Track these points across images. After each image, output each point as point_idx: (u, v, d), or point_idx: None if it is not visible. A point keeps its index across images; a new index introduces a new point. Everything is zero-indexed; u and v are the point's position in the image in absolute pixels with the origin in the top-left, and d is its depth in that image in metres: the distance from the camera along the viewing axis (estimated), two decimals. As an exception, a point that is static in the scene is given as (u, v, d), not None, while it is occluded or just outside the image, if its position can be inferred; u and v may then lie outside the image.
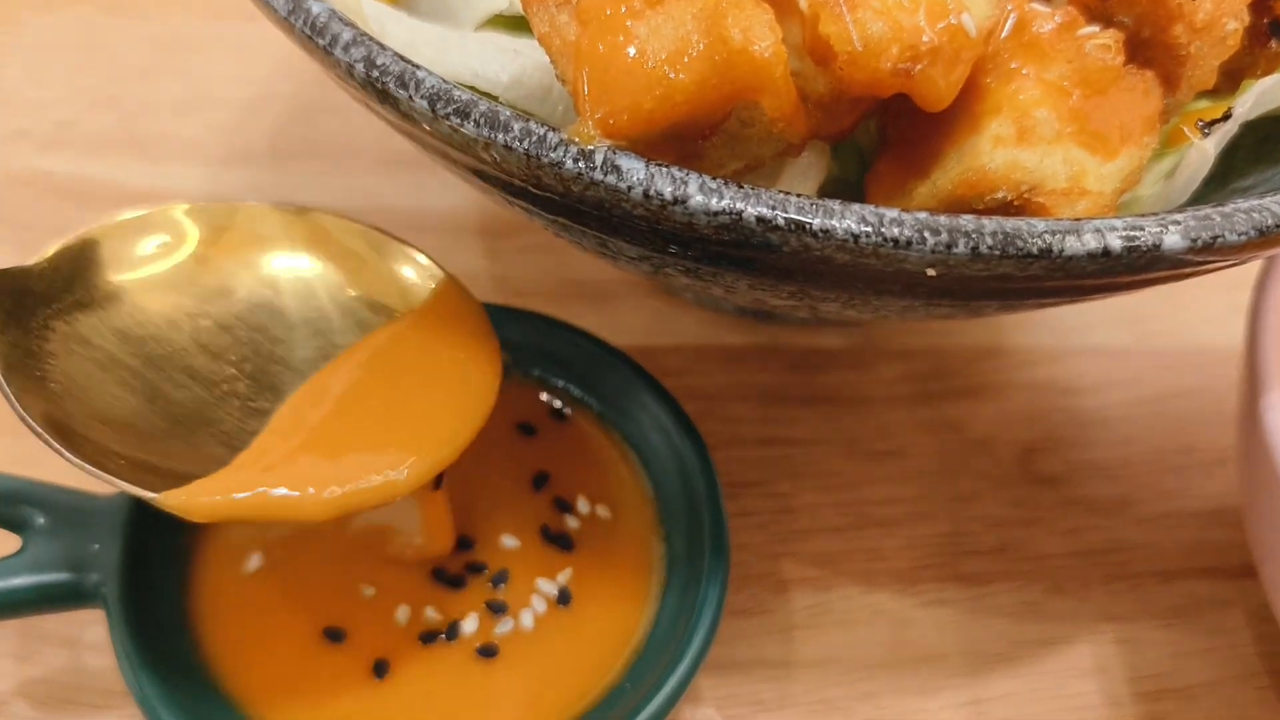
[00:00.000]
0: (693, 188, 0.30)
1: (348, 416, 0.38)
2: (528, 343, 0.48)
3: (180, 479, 0.35)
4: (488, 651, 0.41)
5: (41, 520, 0.41)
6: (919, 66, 0.32)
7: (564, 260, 0.58)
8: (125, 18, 0.70)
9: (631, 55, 0.31)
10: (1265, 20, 0.36)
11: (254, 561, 0.42)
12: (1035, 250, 0.30)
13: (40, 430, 0.34)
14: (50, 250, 0.38)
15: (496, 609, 0.42)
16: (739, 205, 0.30)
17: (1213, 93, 0.37)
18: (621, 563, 0.44)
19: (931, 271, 0.31)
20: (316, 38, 0.34)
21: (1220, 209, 0.32)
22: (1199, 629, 0.48)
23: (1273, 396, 0.41)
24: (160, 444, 0.36)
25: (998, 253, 0.30)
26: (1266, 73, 0.38)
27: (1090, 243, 0.30)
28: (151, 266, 0.40)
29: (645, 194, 0.30)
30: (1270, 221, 0.32)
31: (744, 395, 0.54)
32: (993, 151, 0.34)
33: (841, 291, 0.35)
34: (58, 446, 0.34)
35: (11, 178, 0.61)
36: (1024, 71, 0.34)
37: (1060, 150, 0.34)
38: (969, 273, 0.31)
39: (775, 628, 0.47)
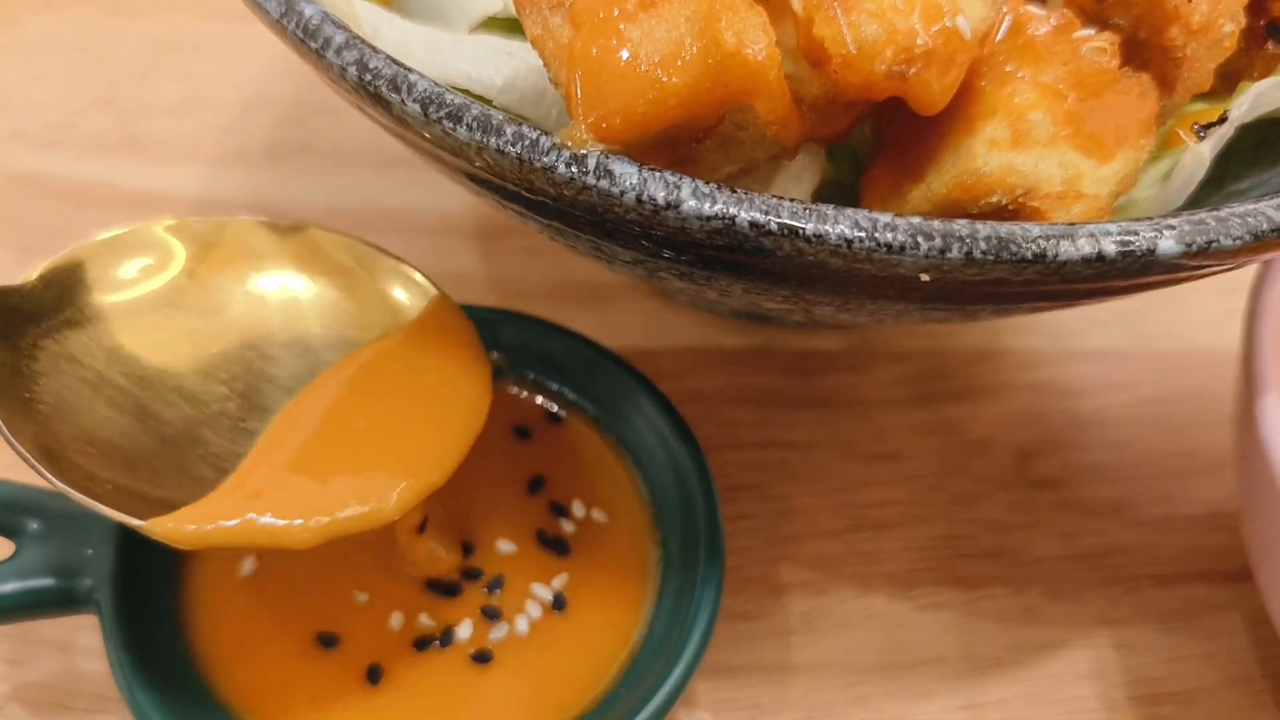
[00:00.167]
0: (686, 192, 0.30)
1: (335, 438, 0.38)
2: (522, 345, 0.48)
3: (167, 505, 0.35)
4: (482, 657, 0.41)
5: (35, 525, 0.40)
6: (913, 69, 0.31)
7: (559, 262, 0.58)
8: (123, 19, 0.69)
9: (625, 59, 0.30)
10: (1262, 22, 0.36)
11: (247, 567, 0.42)
12: (1029, 255, 0.30)
13: (26, 454, 0.34)
14: (40, 268, 0.38)
15: (491, 615, 0.42)
16: (732, 210, 0.30)
17: (1209, 95, 0.37)
18: (617, 567, 0.44)
19: (926, 276, 0.31)
20: (309, 40, 0.33)
21: (1215, 213, 0.32)
22: (1196, 633, 0.48)
23: (1269, 399, 0.41)
24: (148, 466, 0.36)
25: (992, 258, 0.30)
26: (1263, 75, 0.38)
27: (1085, 248, 0.30)
28: (142, 284, 0.40)
29: (638, 199, 0.30)
30: (1265, 226, 0.31)
31: (740, 398, 0.54)
32: (988, 155, 0.33)
33: (836, 296, 0.35)
34: (44, 471, 0.34)
35: (8, 178, 0.61)
36: (1019, 74, 0.34)
37: (1055, 153, 0.34)
38: (963, 277, 0.31)
39: (771, 632, 0.47)
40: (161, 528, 0.34)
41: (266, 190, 0.61)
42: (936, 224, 0.30)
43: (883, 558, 0.49)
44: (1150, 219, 0.31)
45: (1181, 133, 0.39)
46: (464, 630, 0.41)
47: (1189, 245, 0.31)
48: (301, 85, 0.66)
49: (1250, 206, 0.32)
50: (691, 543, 0.43)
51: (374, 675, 0.40)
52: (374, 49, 0.33)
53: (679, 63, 0.30)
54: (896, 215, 0.30)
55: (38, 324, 0.37)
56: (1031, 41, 0.34)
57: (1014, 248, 0.30)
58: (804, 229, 0.30)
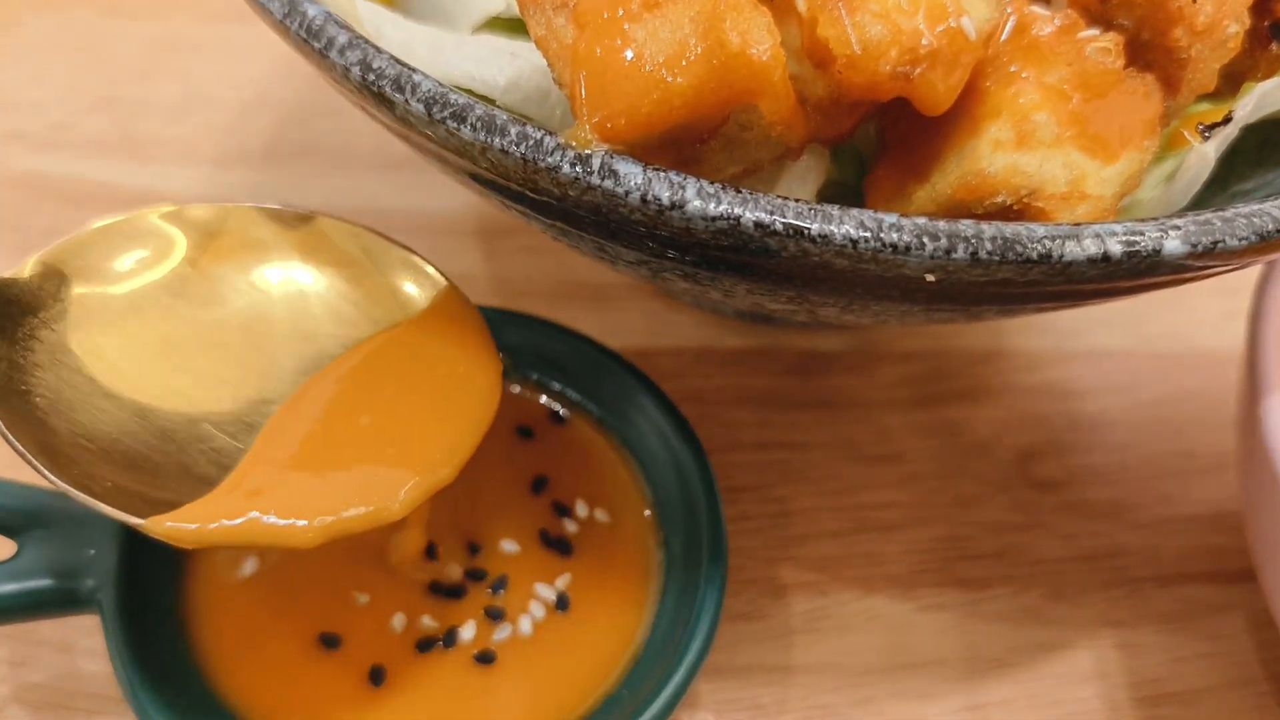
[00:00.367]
0: (690, 192, 0.30)
1: (340, 433, 0.37)
2: (526, 346, 0.47)
3: (168, 504, 0.34)
4: (485, 658, 0.41)
5: (36, 526, 0.40)
6: (918, 70, 0.31)
7: (562, 262, 0.58)
8: (123, 19, 0.69)
9: (629, 59, 0.30)
10: (1266, 23, 0.36)
11: (249, 567, 0.42)
12: (1035, 255, 0.30)
13: (24, 451, 0.33)
14: (36, 257, 0.37)
15: (494, 615, 0.42)
16: (737, 210, 0.30)
17: (1213, 96, 0.37)
18: (620, 567, 0.44)
19: (930, 277, 0.31)
20: (312, 41, 0.33)
21: (1221, 214, 0.32)
22: (1198, 634, 0.48)
23: (1273, 400, 0.41)
24: (149, 462, 0.36)
25: (997, 258, 0.30)
26: (1267, 75, 0.38)
27: (1090, 248, 0.30)
28: (142, 273, 0.39)
29: (642, 199, 0.30)
30: (1271, 226, 0.31)
31: (743, 399, 0.54)
32: (992, 155, 0.33)
33: (840, 296, 0.35)
34: (43, 469, 0.33)
35: (8, 179, 0.60)
36: (1024, 75, 0.34)
37: (1060, 154, 0.34)
38: (968, 278, 0.31)
39: (773, 633, 0.47)
40: (162, 527, 0.34)
41: (266, 191, 0.61)
42: (942, 224, 0.30)
43: (885, 559, 0.49)
44: (1155, 219, 0.31)
45: (1186, 133, 0.39)
46: (467, 631, 0.41)
47: (1194, 246, 0.31)
48: (302, 87, 0.66)
49: (1255, 207, 0.32)
50: (694, 543, 0.43)
51: (377, 676, 0.40)
52: (377, 49, 0.33)
53: (683, 63, 0.30)
54: (902, 216, 0.30)
55: (34, 315, 0.36)
56: (1036, 42, 0.34)
57: (1020, 248, 0.30)
58: (809, 229, 0.30)
